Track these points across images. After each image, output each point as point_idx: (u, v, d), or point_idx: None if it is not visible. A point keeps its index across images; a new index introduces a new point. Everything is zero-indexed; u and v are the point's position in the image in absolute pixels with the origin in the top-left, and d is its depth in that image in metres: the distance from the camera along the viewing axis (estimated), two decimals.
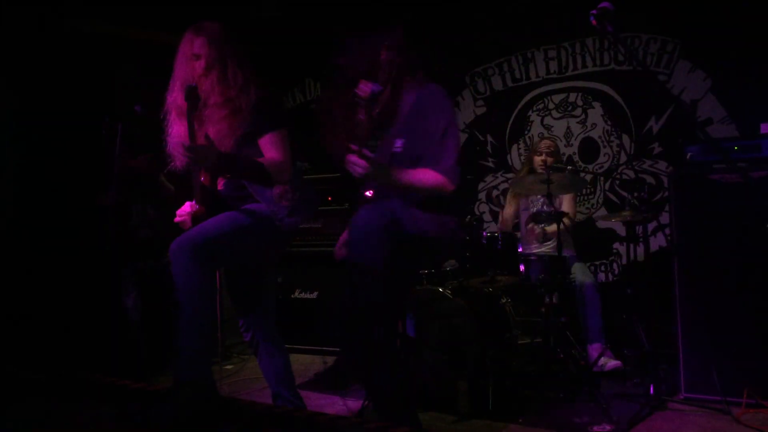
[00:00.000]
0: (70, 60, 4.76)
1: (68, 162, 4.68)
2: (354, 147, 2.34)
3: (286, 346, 3.08)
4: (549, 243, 4.46)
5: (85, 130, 4.31)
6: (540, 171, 4.42)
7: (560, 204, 4.47)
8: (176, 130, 2.83)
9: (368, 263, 2.40)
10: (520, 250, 4.22)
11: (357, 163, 2.34)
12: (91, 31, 4.94)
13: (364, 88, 2.45)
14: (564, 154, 5.16)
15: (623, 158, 4.93)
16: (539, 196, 4.53)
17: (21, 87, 4.64)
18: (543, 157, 4.51)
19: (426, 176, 2.45)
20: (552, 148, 4.56)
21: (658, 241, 4.60)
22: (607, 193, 5.03)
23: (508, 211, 4.80)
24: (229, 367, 4.76)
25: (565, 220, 4.27)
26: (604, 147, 5.02)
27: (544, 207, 4.48)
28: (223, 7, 4.93)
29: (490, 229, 4.93)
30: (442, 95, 2.59)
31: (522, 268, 4.11)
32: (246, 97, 2.78)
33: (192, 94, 2.70)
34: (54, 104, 4.64)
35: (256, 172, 2.74)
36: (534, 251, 4.45)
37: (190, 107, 2.70)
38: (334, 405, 3.73)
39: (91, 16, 4.88)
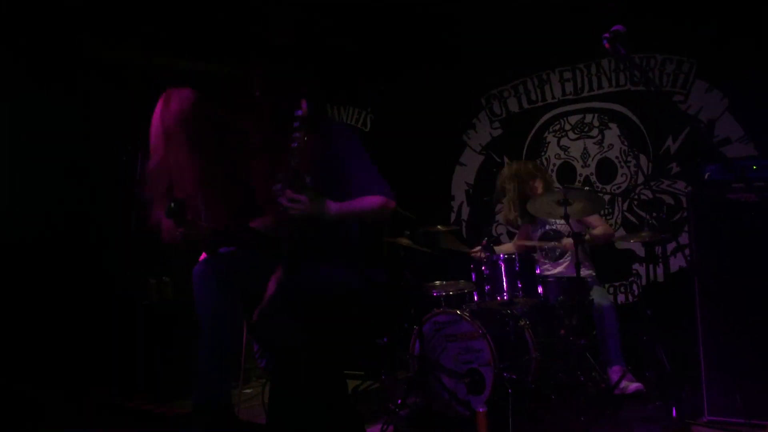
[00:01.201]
0: (94, 88, 4.86)
1: (89, 190, 4.76)
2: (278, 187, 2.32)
3: None
4: (563, 261, 4.43)
5: (108, 158, 4.39)
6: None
7: (577, 221, 4.43)
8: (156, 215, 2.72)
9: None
10: (537, 271, 4.21)
11: (294, 202, 2.34)
12: (113, 59, 5.04)
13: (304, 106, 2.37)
14: (581, 174, 5.15)
15: (641, 179, 4.91)
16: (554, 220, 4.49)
17: (42, 116, 4.74)
18: (530, 185, 4.49)
19: (365, 201, 2.51)
20: (534, 172, 4.51)
21: (678, 262, 4.56)
22: (626, 213, 5.00)
23: (521, 231, 4.80)
24: (247, 390, 4.76)
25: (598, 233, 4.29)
26: (622, 167, 5.01)
27: (556, 226, 4.46)
28: (241, 35, 5.02)
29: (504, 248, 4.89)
30: (344, 129, 2.68)
31: (540, 289, 4.10)
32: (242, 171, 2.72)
33: (177, 212, 2.57)
34: (77, 132, 4.74)
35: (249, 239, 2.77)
36: (552, 272, 4.43)
37: (179, 222, 2.59)
38: None
39: (113, 44, 4.98)
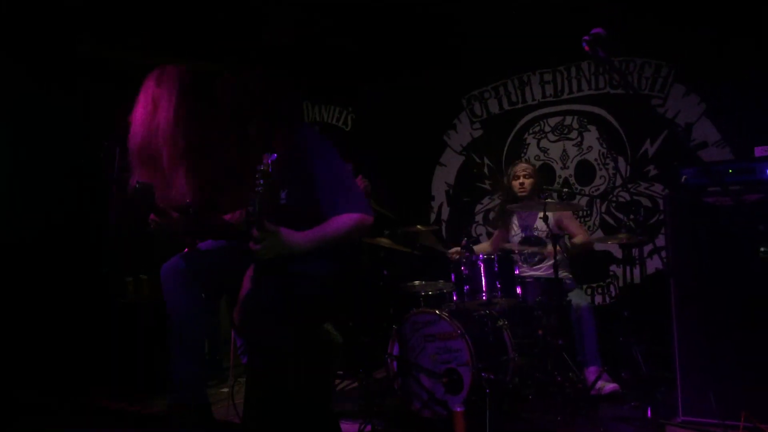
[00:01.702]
0: (93, 87, 4.81)
1: (71, 185, 4.71)
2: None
3: None
4: (541, 266, 4.45)
5: (88, 154, 4.34)
6: (520, 195, 4.43)
7: (556, 225, 4.46)
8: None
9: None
10: (516, 272, 4.22)
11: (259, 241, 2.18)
12: (112, 59, 4.99)
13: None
14: (560, 176, 5.18)
15: (619, 181, 4.95)
16: (534, 221, 4.51)
17: (25, 108, 4.67)
18: (520, 180, 4.50)
19: (339, 222, 2.36)
20: (528, 170, 4.52)
21: (654, 264, 4.61)
22: (604, 215, 5.05)
23: (496, 235, 4.81)
24: (225, 389, 4.73)
25: (577, 241, 4.30)
26: (600, 170, 5.05)
27: (536, 232, 4.48)
28: (235, 34, 5.00)
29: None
30: (316, 136, 2.53)
31: (519, 290, 4.11)
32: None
33: (142, 195, 2.49)
34: (76, 132, 4.69)
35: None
36: (530, 273, 4.45)
37: (145, 205, 2.53)
38: None
39: (112, 44, 4.94)
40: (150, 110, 2.67)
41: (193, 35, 4.94)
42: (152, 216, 2.57)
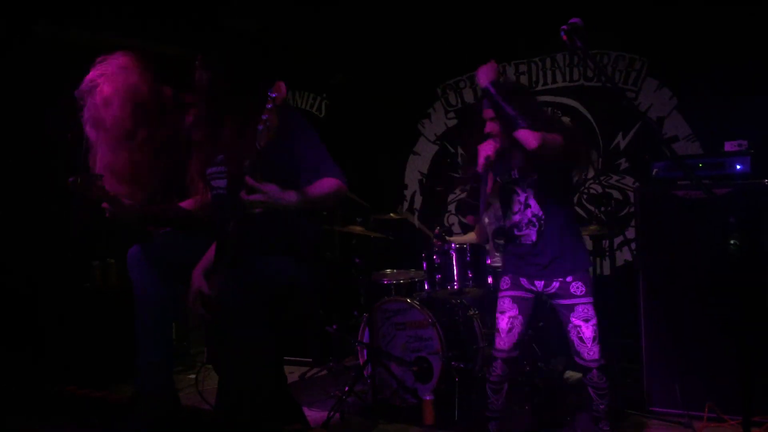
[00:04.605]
0: (41, 64, 4.68)
1: (38, 171, 4.59)
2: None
3: None
4: None
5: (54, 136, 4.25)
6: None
7: None
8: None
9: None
10: (488, 261, 4.23)
11: (255, 193, 2.21)
12: (63, 38, 4.86)
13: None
14: None
15: (591, 173, 4.99)
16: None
17: None
18: None
19: (323, 186, 2.43)
20: None
21: (623, 256, 4.65)
22: (575, 207, 5.08)
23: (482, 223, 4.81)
24: (192, 376, 4.68)
25: None
26: None
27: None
28: (196, 17, 4.91)
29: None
30: (294, 112, 2.60)
31: (490, 279, 4.13)
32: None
33: (85, 189, 2.47)
34: (22, 111, 4.56)
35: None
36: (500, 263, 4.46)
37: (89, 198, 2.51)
38: None
39: (63, 22, 4.81)
40: (113, 99, 2.64)
41: (158, 17, 4.85)
42: (104, 204, 2.53)
